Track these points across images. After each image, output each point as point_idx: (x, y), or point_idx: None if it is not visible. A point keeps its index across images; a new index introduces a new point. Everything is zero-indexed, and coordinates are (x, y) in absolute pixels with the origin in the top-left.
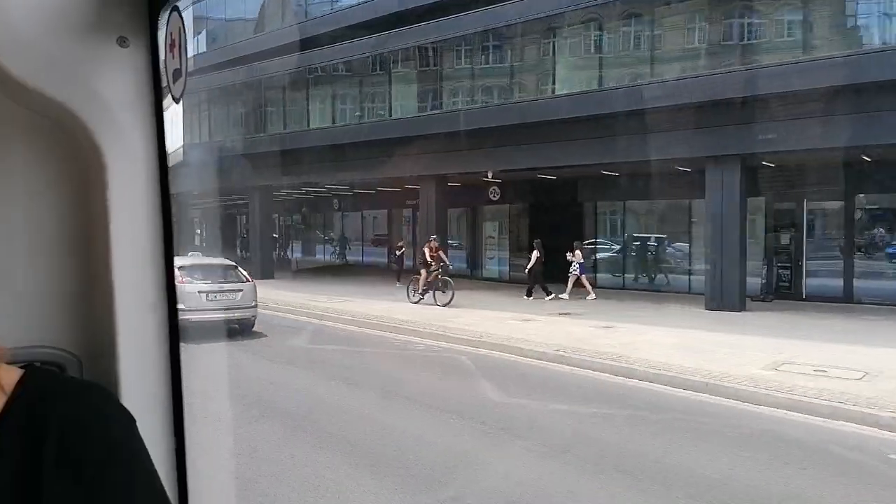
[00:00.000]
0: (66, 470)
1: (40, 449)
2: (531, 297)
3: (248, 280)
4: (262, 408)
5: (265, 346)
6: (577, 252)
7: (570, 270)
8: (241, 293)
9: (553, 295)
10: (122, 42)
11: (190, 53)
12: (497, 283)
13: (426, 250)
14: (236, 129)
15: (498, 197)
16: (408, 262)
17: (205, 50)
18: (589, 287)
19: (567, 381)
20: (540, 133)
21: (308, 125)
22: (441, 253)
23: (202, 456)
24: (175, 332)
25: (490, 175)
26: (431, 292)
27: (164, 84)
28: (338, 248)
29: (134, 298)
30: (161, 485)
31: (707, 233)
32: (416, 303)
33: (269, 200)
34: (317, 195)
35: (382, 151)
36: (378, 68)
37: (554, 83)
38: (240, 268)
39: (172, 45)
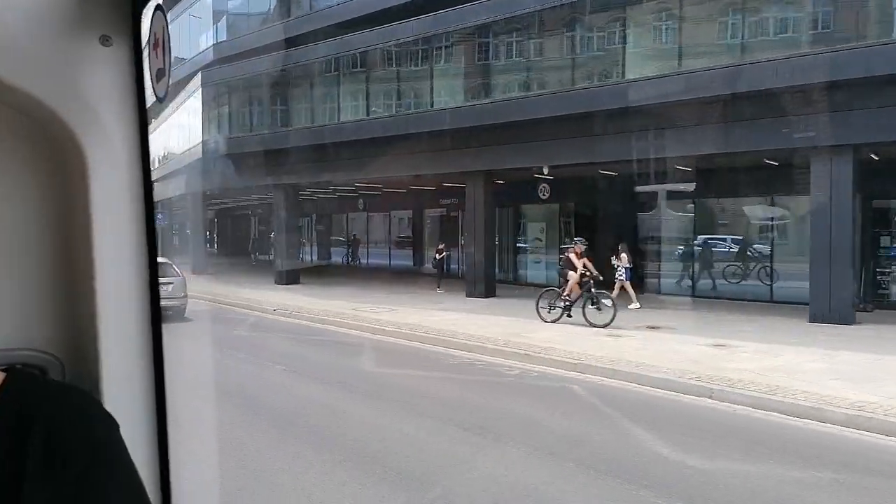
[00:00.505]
0: (51, 471)
1: (26, 450)
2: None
3: (179, 275)
4: (366, 464)
5: (335, 370)
6: (623, 255)
7: (616, 276)
8: (171, 286)
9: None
10: (105, 41)
11: (209, 42)
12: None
13: (572, 255)
14: (259, 123)
15: (548, 195)
16: (447, 267)
17: (224, 39)
18: (632, 294)
19: (747, 427)
20: (601, 124)
21: (339, 118)
22: (587, 260)
23: (187, 459)
24: (158, 335)
25: (546, 170)
26: (579, 309)
27: (148, 83)
28: (350, 251)
29: (116, 300)
30: (143, 487)
31: (812, 235)
32: (554, 321)
33: (295, 200)
34: (342, 194)
35: (423, 146)
36: (416, 57)
37: (623, 69)
38: (174, 265)
39: (156, 45)
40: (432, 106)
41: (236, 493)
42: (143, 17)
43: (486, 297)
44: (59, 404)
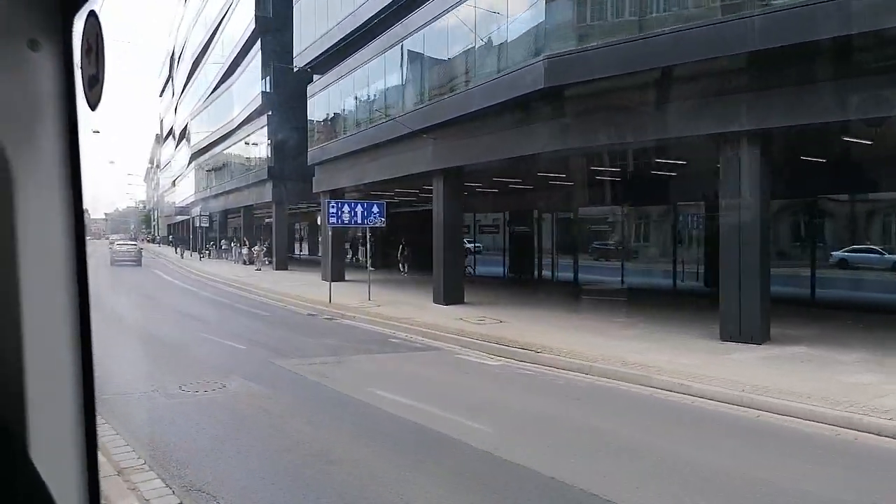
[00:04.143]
0: None
1: None
2: None
3: (137, 245)
4: None
5: None
6: None
7: None
8: (134, 251)
9: None
10: (33, 45)
11: None
12: None
13: None
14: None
15: None
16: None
17: None
18: None
19: None
20: None
21: None
22: None
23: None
24: (88, 343)
25: None
26: None
27: (80, 90)
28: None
29: (42, 307)
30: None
31: None
32: None
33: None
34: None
35: None
36: None
37: None
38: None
39: (89, 50)
40: None
41: None
42: (75, 22)
43: None
44: None
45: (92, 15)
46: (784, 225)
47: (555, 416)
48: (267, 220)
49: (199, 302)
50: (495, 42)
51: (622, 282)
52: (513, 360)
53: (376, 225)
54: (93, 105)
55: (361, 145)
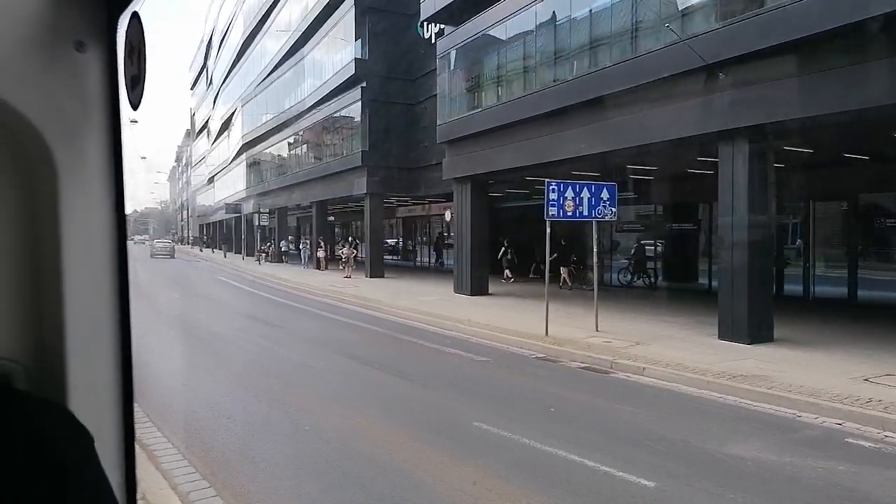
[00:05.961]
0: (19, 499)
1: None
2: None
3: (171, 243)
4: None
5: None
6: None
7: None
8: (169, 247)
9: None
10: (80, 46)
11: None
12: None
13: None
14: None
15: None
16: None
17: None
18: None
19: None
20: None
21: None
22: None
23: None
24: (127, 339)
25: None
26: None
27: (122, 90)
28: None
29: (85, 306)
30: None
31: None
32: None
33: None
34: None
35: None
36: None
37: None
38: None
39: (132, 51)
40: None
41: None
42: (119, 24)
43: None
44: (29, 422)
45: (135, 16)
46: None
47: None
48: (328, 220)
49: (343, 331)
50: None
51: None
52: None
53: (605, 219)
54: (135, 105)
55: (543, 109)
